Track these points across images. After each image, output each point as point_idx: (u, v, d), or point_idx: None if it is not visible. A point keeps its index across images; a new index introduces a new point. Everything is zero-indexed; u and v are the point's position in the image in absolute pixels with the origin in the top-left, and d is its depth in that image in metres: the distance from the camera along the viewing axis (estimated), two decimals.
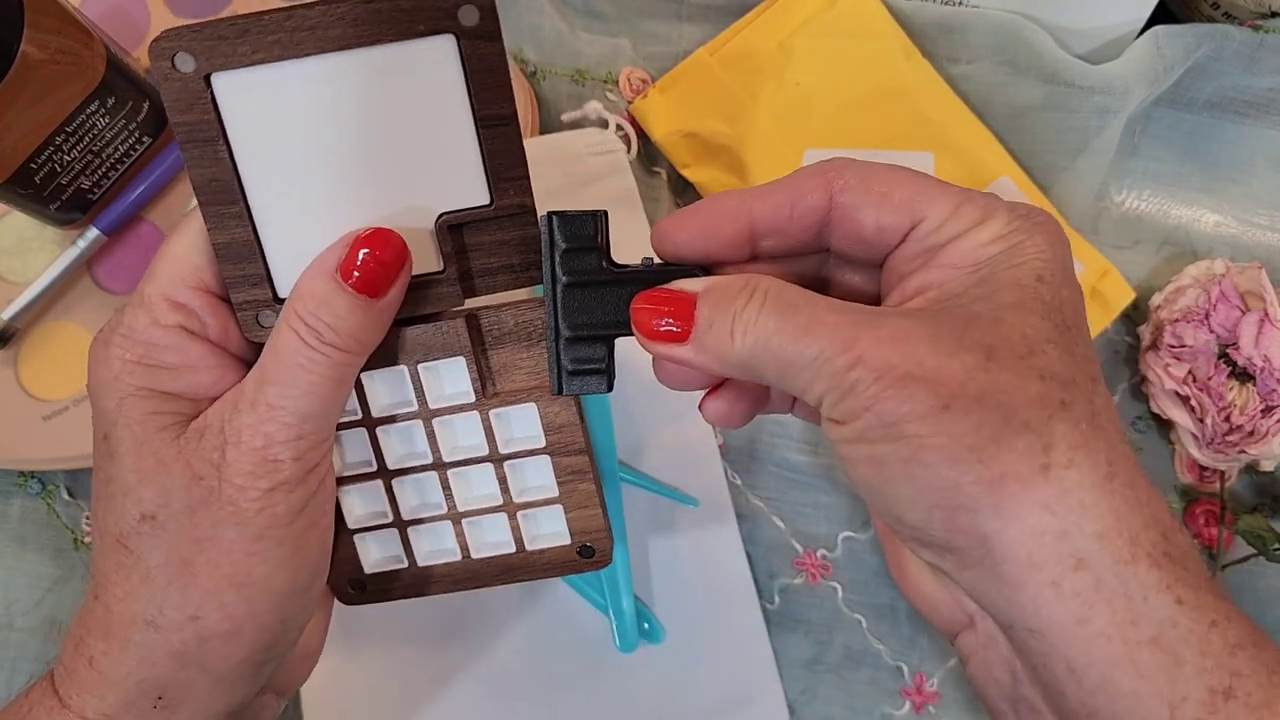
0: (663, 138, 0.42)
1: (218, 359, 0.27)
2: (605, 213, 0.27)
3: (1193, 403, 0.39)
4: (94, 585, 0.27)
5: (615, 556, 0.39)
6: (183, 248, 0.27)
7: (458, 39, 0.26)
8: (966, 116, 0.42)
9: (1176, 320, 0.40)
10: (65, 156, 0.38)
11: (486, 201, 0.27)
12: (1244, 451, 0.39)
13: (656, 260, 0.27)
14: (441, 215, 0.27)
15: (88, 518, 0.42)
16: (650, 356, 0.27)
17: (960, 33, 0.42)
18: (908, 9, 0.42)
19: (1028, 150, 0.42)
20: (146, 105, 0.40)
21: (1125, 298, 0.41)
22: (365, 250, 0.26)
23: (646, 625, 0.40)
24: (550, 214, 0.26)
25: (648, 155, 0.44)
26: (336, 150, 0.26)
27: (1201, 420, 0.39)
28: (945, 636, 0.27)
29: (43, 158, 0.37)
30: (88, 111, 0.38)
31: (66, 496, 0.42)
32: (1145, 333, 0.41)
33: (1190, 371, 0.39)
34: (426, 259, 0.27)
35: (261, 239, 0.27)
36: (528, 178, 0.27)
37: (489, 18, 0.25)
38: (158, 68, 0.25)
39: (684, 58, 0.43)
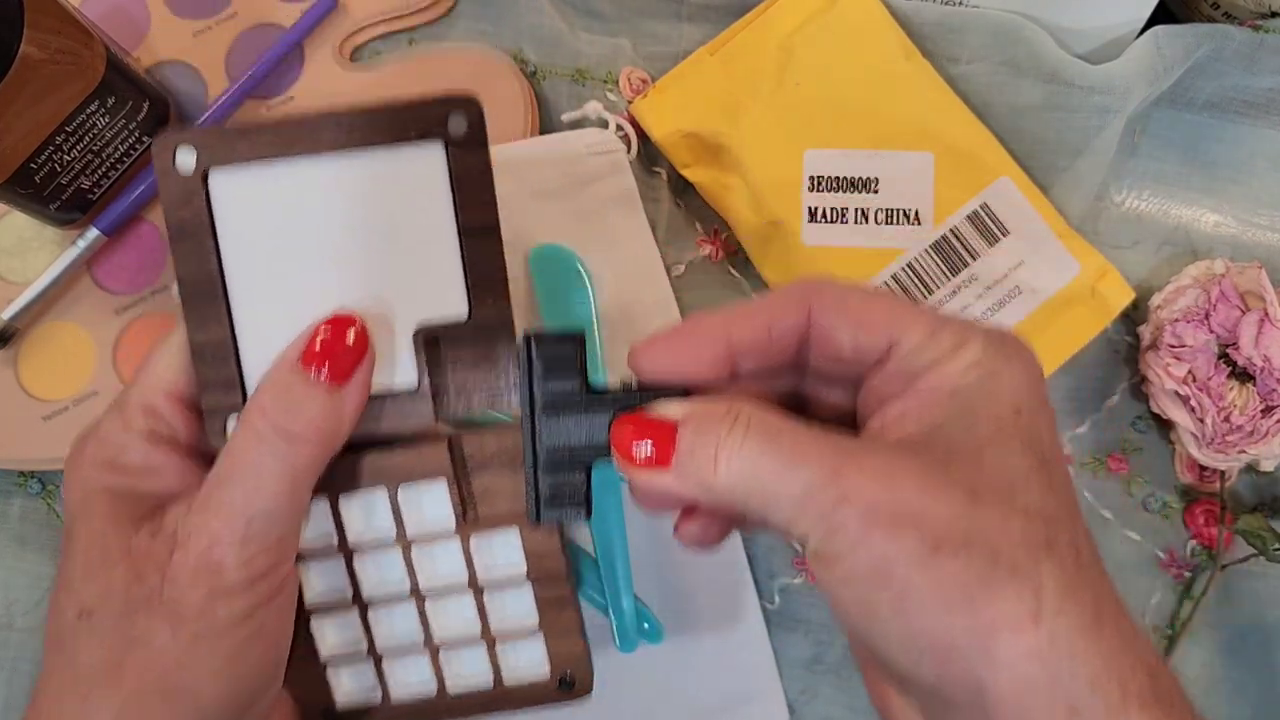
0: (662, 138, 0.42)
1: (185, 464, 0.27)
2: (583, 333, 0.26)
3: (1192, 403, 0.39)
4: (35, 687, 0.26)
5: (615, 556, 0.39)
6: (164, 355, 0.27)
7: (446, 147, 0.26)
8: (966, 116, 0.42)
9: (1176, 320, 0.40)
10: (65, 156, 0.38)
11: (464, 314, 0.27)
12: (1244, 451, 0.39)
13: (635, 381, 0.26)
14: (419, 326, 0.27)
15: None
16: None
17: (960, 33, 0.42)
18: (908, 9, 0.42)
19: (1027, 150, 0.42)
20: (146, 105, 0.40)
21: (1125, 298, 0.41)
22: (325, 334, 0.25)
23: (646, 625, 0.40)
24: (528, 336, 0.26)
25: (648, 155, 0.44)
26: (320, 252, 0.26)
27: (1201, 420, 0.39)
28: None
29: (43, 158, 0.37)
30: (88, 111, 0.38)
31: None
32: (1145, 332, 0.41)
33: (1190, 371, 0.39)
34: (406, 372, 0.27)
35: (239, 341, 0.27)
36: (507, 292, 0.27)
37: (477, 128, 0.26)
38: (159, 163, 0.26)
39: (684, 58, 0.43)
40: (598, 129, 0.42)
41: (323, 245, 0.26)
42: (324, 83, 0.43)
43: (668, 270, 0.42)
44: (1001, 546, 0.21)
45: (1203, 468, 0.42)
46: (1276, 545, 0.39)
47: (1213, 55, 0.42)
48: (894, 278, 0.40)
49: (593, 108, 0.42)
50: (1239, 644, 0.41)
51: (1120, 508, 0.42)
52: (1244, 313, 0.39)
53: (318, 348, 0.25)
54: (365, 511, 0.28)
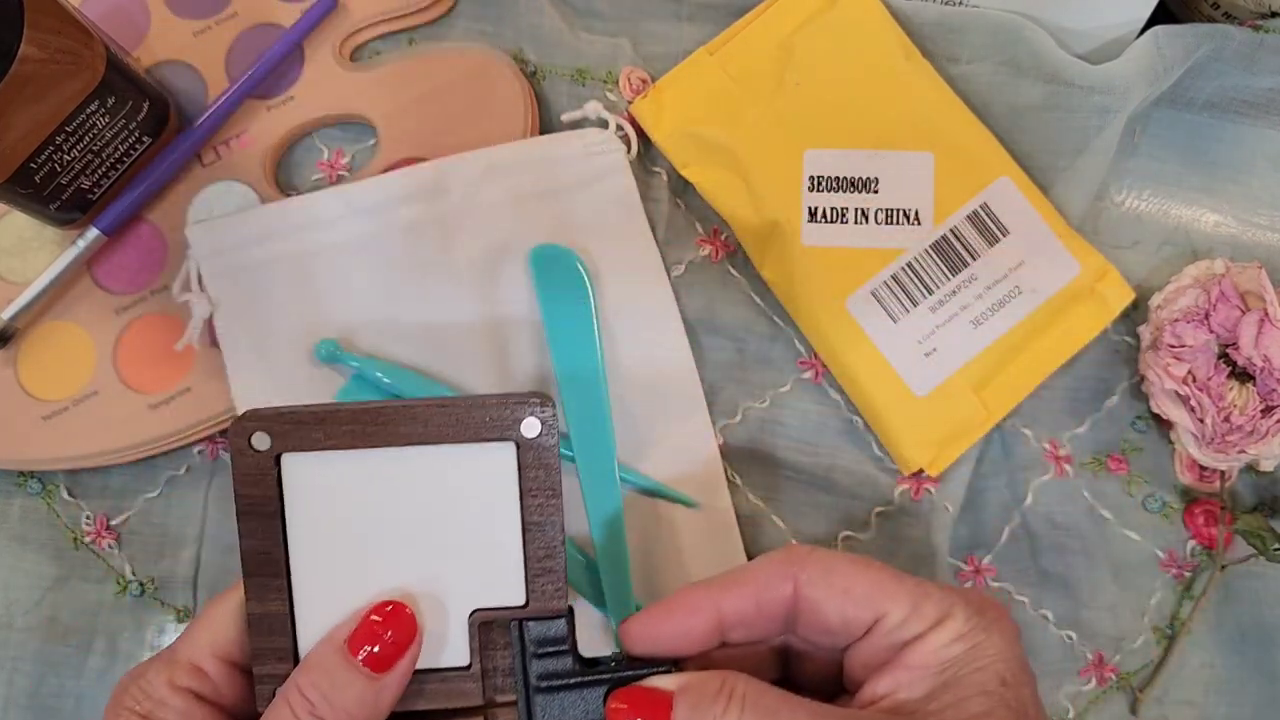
0: (662, 138, 0.42)
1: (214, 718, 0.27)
2: (572, 609, 0.28)
3: (1192, 402, 0.39)
4: None
5: (616, 561, 0.39)
6: (219, 615, 0.28)
7: (517, 448, 0.27)
8: (966, 116, 0.42)
9: (1176, 320, 0.40)
10: (65, 156, 0.38)
11: (521, 602, 0.28)
12: (1244, 451, 0.39)
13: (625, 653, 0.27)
14: (476, 611, 0.28)
15: (87, 517, 0.42)
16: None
17: (960, 32, 0.42)
18: (907, 9, 0.42)
19: (1027, 150, 0.42)
20: (146, 105, 0.40)
21: (1125, 298, 0.41)
22: (376, 620, 0.26)
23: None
24: (518, 621, 0.27)
25: (648, 155, 0.44)
26: (384, 535, 0.27)
27: (1201, 420, 0.39)
28: None
29: (43, 157, 0.37)
30: (88, 111, 0.38)
31: (66, 496, 0.42)
32: (1145, 332, 0.41)
33: (1190, 371, 0.39)
34: (456, 652, 0.28)
35: (296, 616, 0.27)
36: (565, 580, 0.28)
37: (550, 426, 0.27)
38: (235, 444, 0.26)
39: (684, 57, 0.43)
40: (597, 129, 0.42)
41: (387, 529, 0.28)
42: (324, 83, 0.43)
43: (668, 270, 0.42)
44: None
45: (1203, 468, 0.42)
46: (1276, 545, 0.39)
47: (1213, 55, 0.42)
48: (894, 278, 0.40)
49: (593, 108, 0.42)
50: (1239, 644, 0.41)
51: (1120, 508, 0.42)
52: (1244, 313, 0.39)
53: (365, 634, 0.26)
54: None
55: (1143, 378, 0.42)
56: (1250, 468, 0.41)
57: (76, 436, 0.40)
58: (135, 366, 0.41)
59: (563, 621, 0.27)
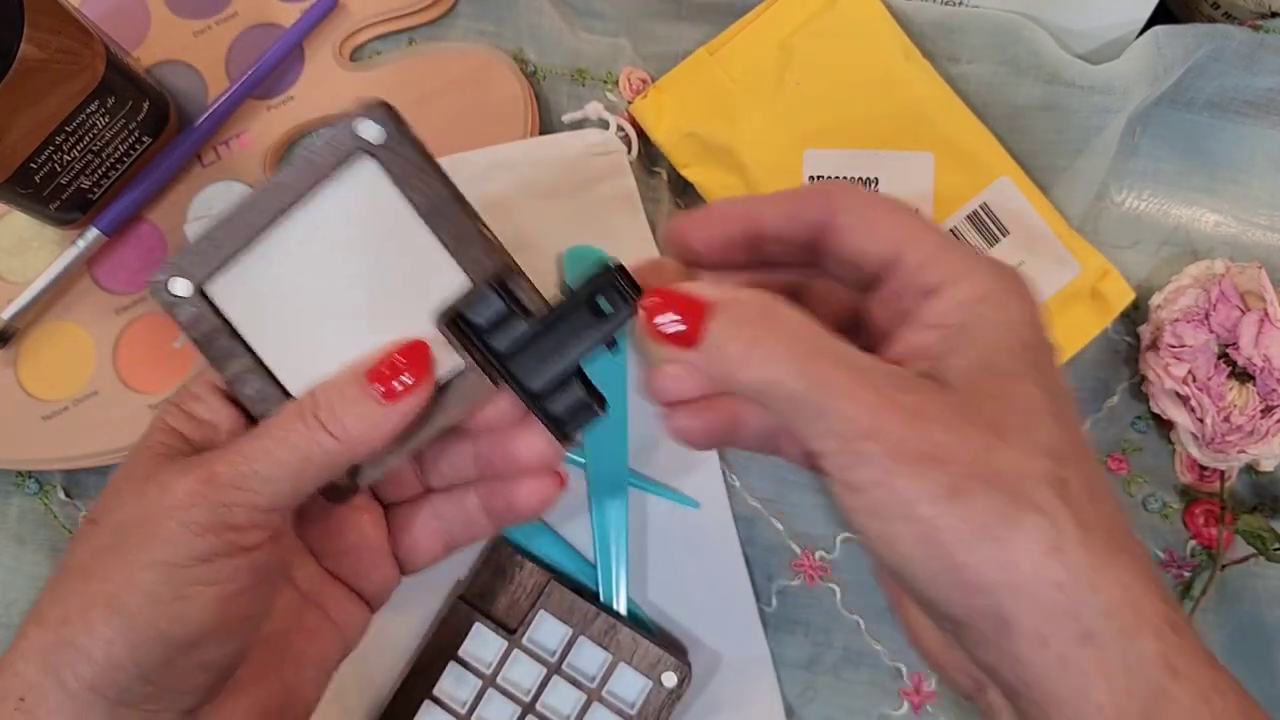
0: (662, 138, 0.42)
1: (240, 423, 0.29)
2: (502, 273, 0.28)
3: (1192, 402, 0.39)
4: None
5: (614, 560, 0.39)
6: None
7: (372, 156, 0.27)
8: (966, 116, 0.42)
9: (1176, 320, 0.40)
10: (65, 156, 0.38)
11: (467, 285, 0.28)
12: (1243, 451, 0.39)
13: (562, 285, 0.28)
14: (437, 313, 0.28)
15: (85, 517, 0.42)
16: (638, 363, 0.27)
17: (960, 32, 0.42)
18: (908, 9, 0.42)
19: (1028, 150, 0.42)
20: (146, 105, 0.40)
21: (1125, 298, 0.41)
22: (395, 357, 0.28)
23: (642, 621, 0.40)
24: (450, 317, 0.28)
25: (648, 156, 0.44)
26: (326, 299, 0.28)
27: (1201, 420, 0.39)
28: (958, 695, 0.27)
29: (42, 157, 0.37)
30: (87, 111, 0.38)
31: (63, 497, 0.42)
32: (1145, 332, 0.41)
33: (1190, 371, 0.39)
34: (449, 359, 0.29)
35: (286, 391, 0.29)
36: (488, 239, 0.28)
37: (393, 123, 0.27)
38: (162, 300, 0.28)
39: (684, 58, 0.43)
40: (598, 130, 0.42)
41: (326, 290, 0.28)
42: (324, 83, 0.43)
43: None
44: (1023, 486, 0.22)
45: (1203, 467, 0.42)
46: (1276, 545, 0.39)
47: (1213, 55, 0.42)
48: None
49: (593, 108, 0.42)
50: (1239, 643, 0.41)
51: (1120, 508, 0.42)
52: (1244, 313, 0.39)
53: (384, 367, 0.27)
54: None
55: (1143, 378, 0.42)
56: (1250, 468, 0.41)
57: (76, 436, 0.40)
58: (135, 367, 0.41)
59: (494, 293, 0.27)
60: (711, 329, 0.24)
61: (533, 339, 0.28)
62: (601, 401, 0.28)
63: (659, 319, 0.25)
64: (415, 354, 0.28)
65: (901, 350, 0.25)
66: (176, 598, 0.25)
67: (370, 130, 0.27)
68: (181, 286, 0.28)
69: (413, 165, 0.27)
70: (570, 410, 0.28)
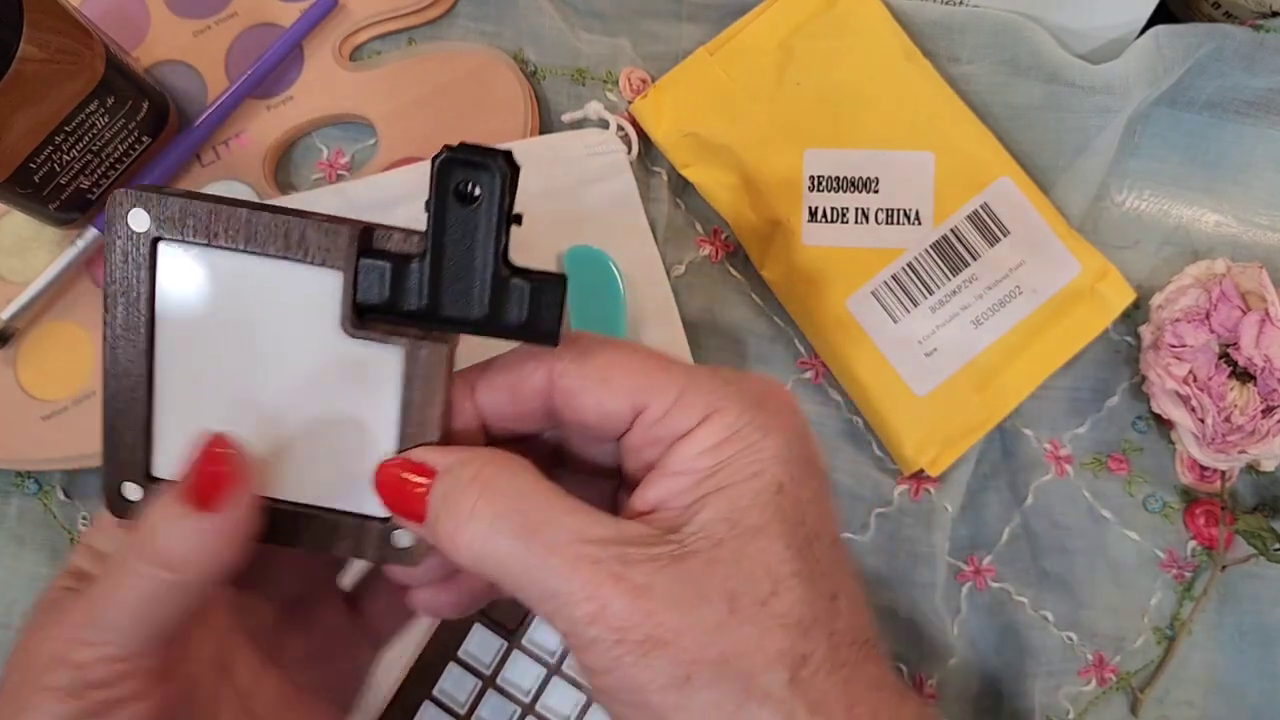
0: (662, 138, 0.42)
1: None
2: (360, 242, 0.25)
3: (1193, 402, 0.39)
4: None
5: None
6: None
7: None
8: (967, 116, 0.42)
9: (1177, 320, 0.40)
10: (64, 156, 0.38)
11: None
12: (1244, 451, 0.39)
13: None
14: (344, 324, 0.25)
15: (84, 517, 0.42)
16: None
17: (960, 32, 0.42)
18: (908, 9, 0.42)
19: (1028, 150, 0.42)
20: (146, 105, 0.40)
21: (1126, 298, 0.41)
22: (200, 463, 0.24)
23: None
24: (353, 316, 0.24)
25: (648, 156, 0.44)
26: (249, 349, 0.25)
27: (1202, 420, 0.39)
28: None
29: (42, 157, 0.37)
30: (87, 111, 0.38)
31: (63, 497, 0.42)
32: (1146, 332, 0.41)
33: (1191, 371, 0.39)
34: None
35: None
36: (329, 218, 0.25)
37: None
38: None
39: (684, 57, 0.43)
40: (598, 129, 0.42)
41: (253, 343, 0.25)
42: (323, 83, 0.43)
43: (668, 270, 0.42)
44: (756, 670, 0.21)
45: (1203, 468, 0.42)
46: (1277, 545, 0.39)
47: (1213, 55, 0.42)
48: (894, 278, 0.40)
49: (593, 108, 0.42)
50: (1239, 644, 0.41)
51: (1120, 508, 0.42)
52: (1245, 313, 0.39)
53: (194, 477, 0.24)
54: None
55: (1143, 378, 0.42)
56: (1251, 468, 0.41)
57: (75, 437, 0.40)
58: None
59: (370, 261, 0.24)
60: (430, 502, 0.23)
61: (437, 273, 0.24)
62: (554, 276, 0.24)
63: (388, 491, 0.24)
64: (218, 454, 0.24)
65: (652, 499, 0.23)
66: None
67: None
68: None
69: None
70: (532, 307, 0.24)
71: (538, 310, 0.24)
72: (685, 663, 0.21)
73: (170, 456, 0.25)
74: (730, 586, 0.21)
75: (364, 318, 0.24)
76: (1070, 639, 0.41)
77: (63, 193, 0.39)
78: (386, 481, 0.24)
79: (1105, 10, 0.42)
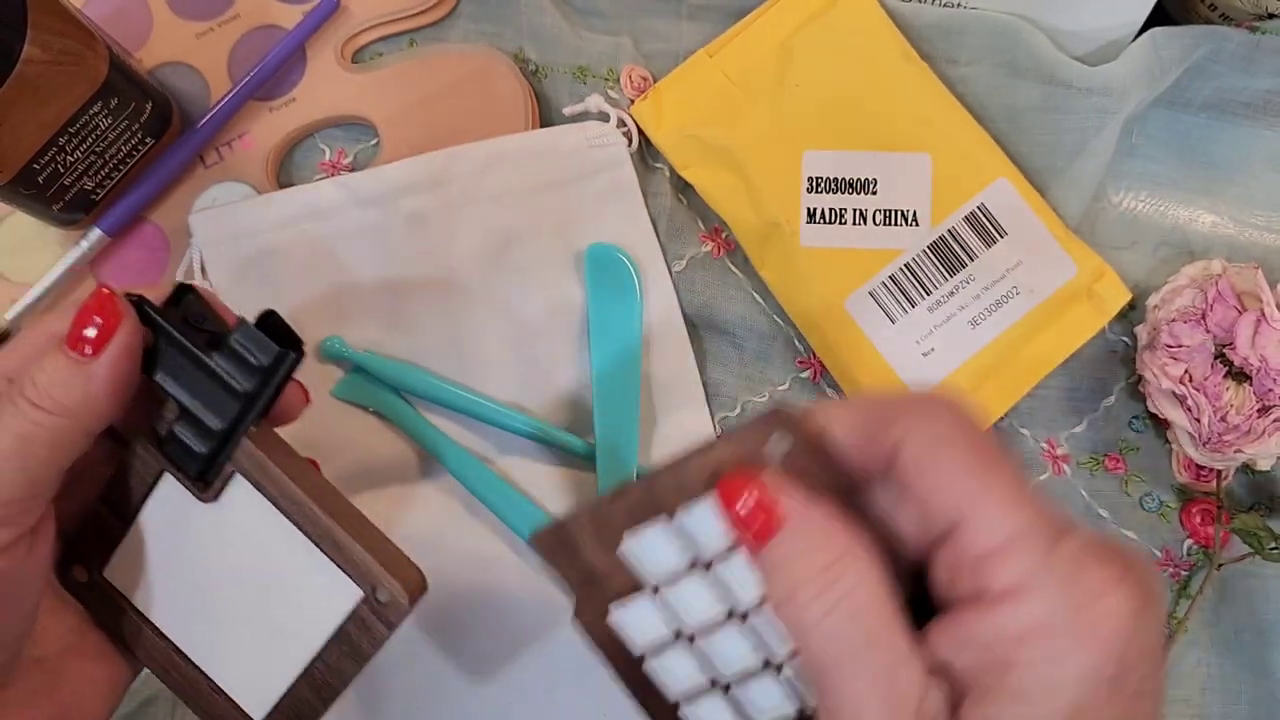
0: (662, 139, 0.42)
1: None
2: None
3: (1189, 402, 0.40)
4: None
5: None
6: (19, 342, 0.27)
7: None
8: (964, 118, 0.42)
9: (1173, 320, 0.40)
10: (68, 157, 0.38)
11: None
12: (1240, 451, 0.39)
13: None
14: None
15: None
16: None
17: (958, 34, 0.42)
18: (906, 11, 0.43)
19: (1025, 151, 0.42)
20: (149, 106, 0.40)
21: (1122, 298, 0.41)
22: (83, 310, 0.25)
23: None
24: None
25: (649, 152, 0.44)
26: (205, 578, 0.29)
27: (1198, 420, 0.40)
28: None
29: (46, 158, 0.38)
30: (91, 112, 0.38)
31: None
32: (1142, 333, 0.42)
33: (1187, 371, 0.39)
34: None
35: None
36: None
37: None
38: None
39: (685, 56, 0.43)
40: (598, 122, 0.42)
41: (204, 567, 0.29)
42: (326, 84, 0.43)
43: (668, 266, 0.42)
44: None
45: (1199, 467, 0.42)
46: (1272, 544, 0.40)
47: (1210, 57, 0.42)
48: (892, 278, 0.41)
49: (594, 101, 0.43)
50: (1235, 642, 0.41)
51: (1117, 507, 0.42)
52: (1241, 313, 0.39)
53: (75, 326, 0.25)
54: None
55: (1140, 378, 0.42)
56: (1247, 467, 0.42)
57: None
58: None
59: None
60: (773, 550, 0.21)
61: (193, 408, 0.27)
62: (231, 323, 0.27)
63: (738, 503, 0.22)
64: (103, 302, 0.25)
65: (940, 653, 0.21)
66: None
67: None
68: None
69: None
70: (251, 353, 0.26)
71: (253, 351, 0.26)
72: None
73: (249, 697, 0.30)
74: None
75: (202, 482, 0.28)
76: None
77: (66, 194, 0.40)
78: (731, 501, 0.22)
79: (1102, 12, 0.42)
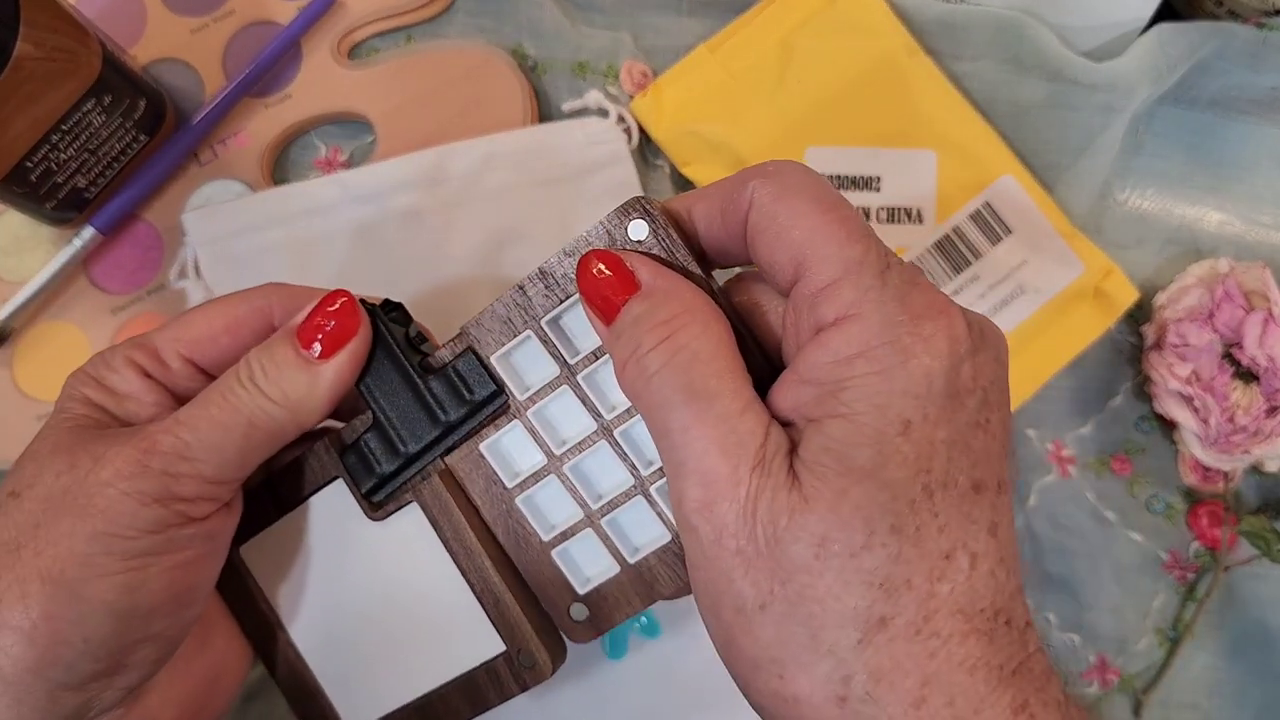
0: (663, 136, 0.42)
1: (162, 398, 0.28)
2: (336, 443, 0.28)
3: (1196, 403, 0.39)
4: None
5: None
6: (198, 316, 0.28)
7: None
8: (969, 114, 0.42)
9: (1180, 320, 0.40)
10: (61, 155, 0.38)
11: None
12: (1248, 452, 0.39)
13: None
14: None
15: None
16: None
17: (963, 30, 0.42)
18: (910, 6, 0.42)
19: (1031, 148, 0.42)
20: (143, 103, 0.40)
21: (1129, 297, 0.40)
22: (320, 311, 0.26)
23: (644, 620, 0.39)
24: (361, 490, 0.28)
25: (649, 149, 0.43)
26: (343, 587, 0.29)
27: (1205, 421, 0.39)
28: None
29: (39, 156, 0.37)
30: (84, 109, 0.37)
31: None
32: (1149, 332, 0.41)
33: (1194, 371, 0.39)
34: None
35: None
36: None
37: (351, 435, 0.28)
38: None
39: (685, 51, 0.42)
40: (598, 119, 0.42)
41: (345, 576, 0.29)
42: (322, 81, 0.43)
43: None
44: (826, 623, 0.20)
45: (1206, 468, 0.41)
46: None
47: (1217, 53, 0.41)
48: None
49: (593, 97, 0.42)
50: (1242, 646, 0.41)
51: (1123, 509, 0.42)
52: (1248, 312, 0.39)
53: (311, 326, 0.26)
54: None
55: (1146, 378, 0.41)
56: (1254, 468, 0.41)
57: None
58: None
59: (352, 439, 0.28)
60: (621, 314, 0.23)
61: (389, 425, 0.27)
62: (461, 351, 0.27)
63: (592, 270, 0.23)
64: (340, 307, 0.26)
65: (784, 407, 0.22)
66: (125, 569, 0.24)
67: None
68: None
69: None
70: (464, 387, 0.26)
71: (473, 385, 0.26)
72: (765, 591, 0.20)
73: (353, 712, 0.29)
74: (822, 530, 0.20)
75: (374, 500, 0.28)
76: (1073, 641, 0.41)
77: (59, 191, 0.39)
78: (588, 275, 0.23)
79: (1108, 8, 0.42)
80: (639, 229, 0.24)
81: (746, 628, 0.21)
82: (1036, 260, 0.40)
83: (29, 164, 0.37)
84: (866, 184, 0.41)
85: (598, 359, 0.25)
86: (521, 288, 0.25)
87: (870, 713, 0.20)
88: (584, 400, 0.25)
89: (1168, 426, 0.42)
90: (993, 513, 0.21)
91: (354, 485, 0.28)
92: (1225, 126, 0.44)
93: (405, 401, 0.27)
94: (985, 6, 0.42)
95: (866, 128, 0.41)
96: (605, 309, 0.23)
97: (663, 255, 0.24)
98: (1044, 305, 0.40)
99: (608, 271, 0.23)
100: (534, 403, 0.26)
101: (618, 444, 0.25)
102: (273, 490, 0.29)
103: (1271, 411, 0.39)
